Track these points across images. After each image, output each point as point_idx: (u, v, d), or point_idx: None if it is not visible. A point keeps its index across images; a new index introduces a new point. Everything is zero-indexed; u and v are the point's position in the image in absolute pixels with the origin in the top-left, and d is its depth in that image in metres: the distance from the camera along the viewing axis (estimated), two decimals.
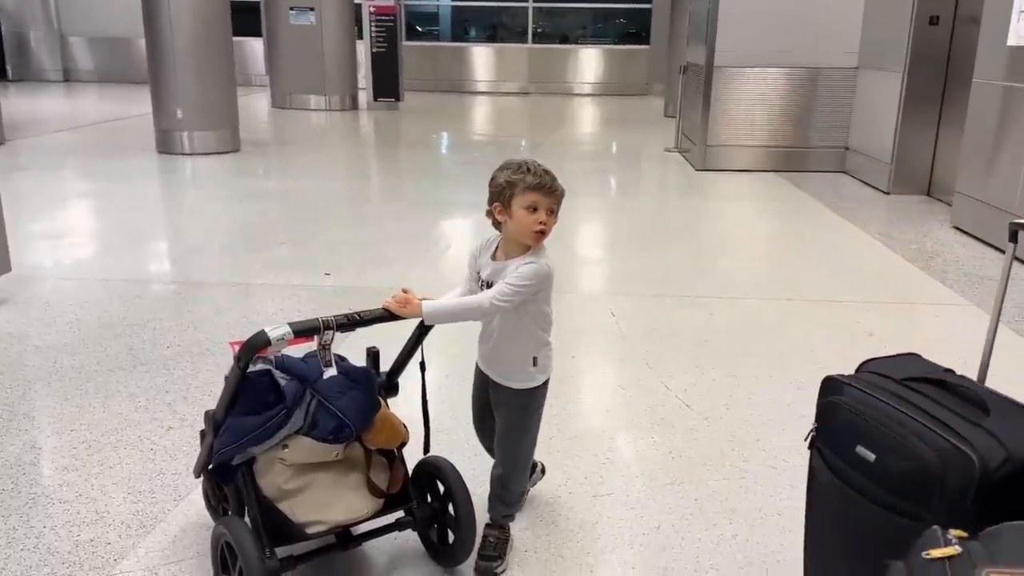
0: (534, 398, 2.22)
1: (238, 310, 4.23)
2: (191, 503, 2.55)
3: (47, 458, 2.80)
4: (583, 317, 4.36)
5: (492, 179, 2.12)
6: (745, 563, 2.29)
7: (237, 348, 1.92)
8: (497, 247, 2.18)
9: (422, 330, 2.18)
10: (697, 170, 8.76)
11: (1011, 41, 5.61)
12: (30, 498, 2.55)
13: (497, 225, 2.16)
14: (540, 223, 2.08)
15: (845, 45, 8.30)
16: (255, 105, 14.63)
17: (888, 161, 7.52)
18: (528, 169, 2.08)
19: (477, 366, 2.31)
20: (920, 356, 2.09)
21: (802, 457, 2.86)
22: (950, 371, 1.95)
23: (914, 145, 7.40)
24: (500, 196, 2.09)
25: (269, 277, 4.82)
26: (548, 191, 2.08)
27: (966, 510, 1.56)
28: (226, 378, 2.02)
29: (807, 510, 2.04)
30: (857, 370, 2.03)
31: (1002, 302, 2.57)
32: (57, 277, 4.83)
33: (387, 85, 14.53)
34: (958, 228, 6.16)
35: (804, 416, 3.19)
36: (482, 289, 2.15)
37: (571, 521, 2.48)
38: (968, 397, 1.80)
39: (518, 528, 2.42)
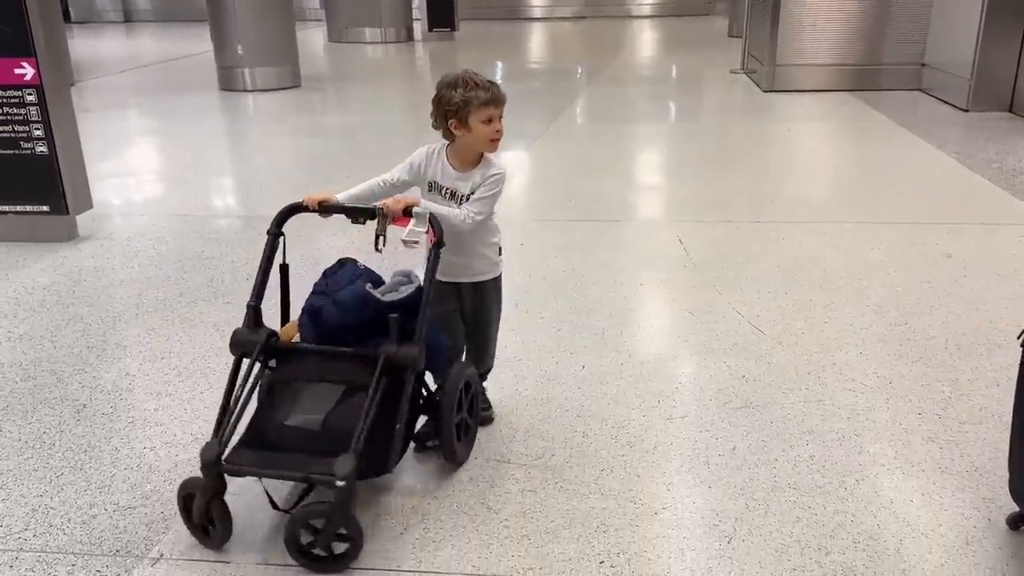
0: (501, 280, 2.49)
1: (308, 243, 4.31)
2: None
3: (141, 384, 2.94)
4: (650, 245, 4.33)
5: (441, 97, 2.25)
6: (823, 482, 2.30)
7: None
8: (447, 156, 2.34)
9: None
10: (764, 91, 8.49)
11: None
12: (128, 421, 2.69)
13: (448, 136, 2.31)
14: (497, 132, 2.28)
15: None
16: (312, 40, 14.62)
17: (968, 76, 7.17)
18: (477, 84, 2.23)
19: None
20: None
21: (880, 379, 2.84)
22: None
23: (996, 59, 7.02)
24: (457, 113, 2.23)
25: None
26: (500, 102, 2.27)
27: None
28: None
29: (1017, 408, 2.03)
30: None
31: None
32: (134, 214, 4.98)
33: (442, 15, 14.36)
34: None
35: (883, 339, 3.16)
36: (441, 194, 2.33)
37: (646, 443, 2.51)
38: None
39: (593, 449, 2.46)
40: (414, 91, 9.86)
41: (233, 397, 2.09)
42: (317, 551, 1.97)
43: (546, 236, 4.47)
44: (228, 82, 9.17)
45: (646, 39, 15.14)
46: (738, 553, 2.03)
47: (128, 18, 18.85)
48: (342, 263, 2.35)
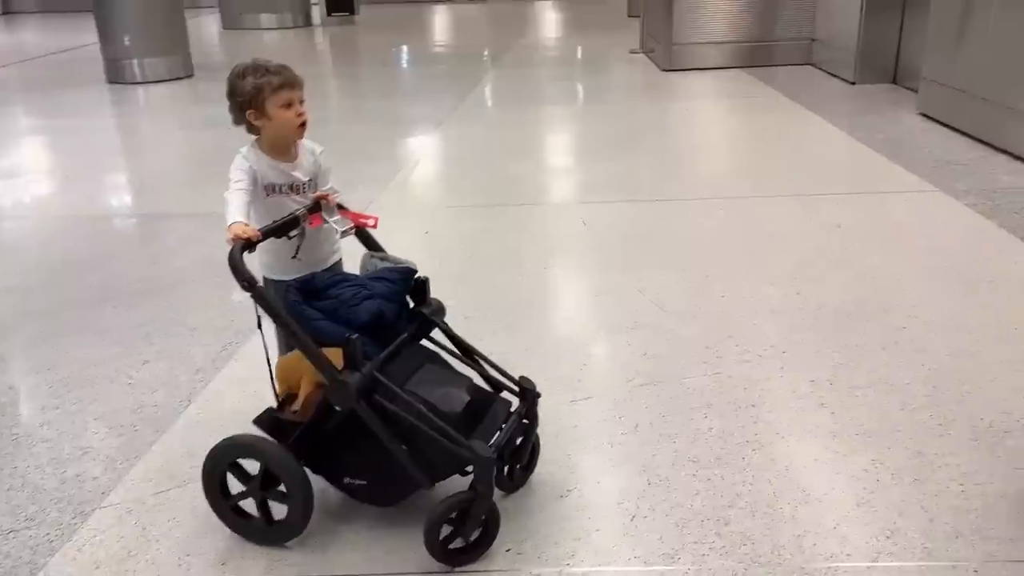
0: None
1: (206, 241, 4.16)
2: (174, 434, 2.56)
3: (26, 398, 2.79)
4: (555, 227, 4.35)
5: (234, 88, 2.16)
6: (722, 454, 2.35)
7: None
8: (264, 153, 2.20)
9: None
10: (663, 71, 8.62)
11: None
12: (12, 439, 2.55)
13: (253, 130, 2.20)
14: (300, 115, 2.18)
15: None
16: (205, 28, 14.12)
17: (853, 50, 7.43)
18: (267, 70, 2.15)
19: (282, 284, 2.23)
20: None
21: (775, 350, 2.93)
22: None
23: (879, 33, 7.30)
24: (253, 102, 2.13)
25: None
26: (295, 85, 2.17)
27: None
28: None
29: None
30: None
31: None
32: (17, 216, 4.72)
33: None
34: (924, 115, 6.14)
35: (776, 310, 3.26)
36: (283, 193, 2.20)
37: (552, 426, 2.51)
38: None
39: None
40: (315, 78, 9.63)
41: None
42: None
43: (453, 222, 4.44)
44: (116, 74, 8.77)
45: (548, 20, 15.18)
46: (641, 530, 2.07)
47: (7, 9, 17.81)
48: (312, 279, 2.14)
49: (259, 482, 2.02)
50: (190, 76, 9.07)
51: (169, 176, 5.57)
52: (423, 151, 6.10)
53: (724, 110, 7.25)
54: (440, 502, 1.93)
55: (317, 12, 14.13)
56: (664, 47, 8.62)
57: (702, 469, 2.29)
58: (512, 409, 2.13)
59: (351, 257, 2.33)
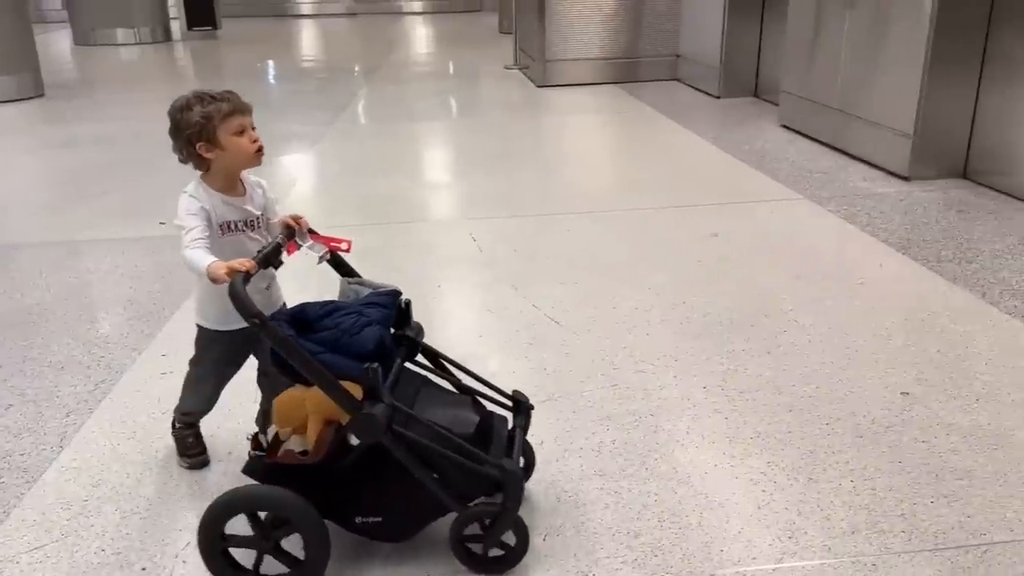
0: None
1: (65, 271, 3.88)
2: (46, 484, 2.36)
3: None
4: (443, 245, 4.31)
5: (180, 122, 2.03)
6: (626, 465, 2.38)
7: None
8: (212, 189, 2.07)
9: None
10: (539, 86, 8.75)
11: None
12: None
13: (201, 165, 2.08)
14: (255, 141, 2.08)
15: None
16: (55, 44, 13.30)
17: (717, 66, 7.78)
18: (213, 97, 2.04)
19: (228, 334, 2.18)
20: None
21: (667, 358, 2.99)
22: None
23: (740, 50, 7.68)
24: (202, 133, 2.02)
25: (96, 231, 4.44)
26: (245, 110, 2.08)
27: None
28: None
29: None
30: None
31: None
32: None
33: (201, 12, 13.56)
34: (785, 126, 6.49)
35: (665, 319, 3.34)
36: (239, 230, 2.10)
37: None
38: None
39: None
40: (175, 95, 9.23)
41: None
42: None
43: None
44: None
45: (420, 36, 15.17)
46: (554, 549, 2.05)
47: None
48: (302, 310, 2.05)
49: (266, 533, 1.90)
50: (41, 95, 8.50)
51: (23, 202, 5.18)
52: (299, 170, 5.94)
53: (599, 124, 7.42)
54: (471, 506, 1.92)
55: (177, 27, 13.57)
56: (538, 63, 8.75)
57: (608, 482, 2.30)
58: (511, 424, 2.12)
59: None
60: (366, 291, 2.13)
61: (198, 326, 2.23)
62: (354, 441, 1.93)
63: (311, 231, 2.12)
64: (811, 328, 3.21)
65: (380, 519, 1.96)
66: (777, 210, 4.72)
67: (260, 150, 2.09)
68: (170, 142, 2.10)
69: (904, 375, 2.83)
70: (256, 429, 2.26)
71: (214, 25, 13.61)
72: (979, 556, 1.98)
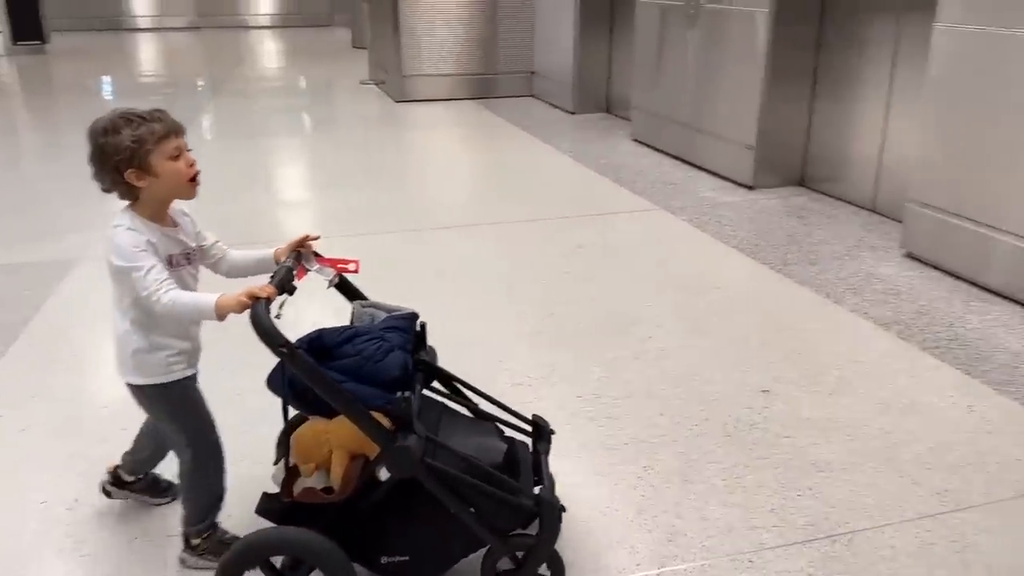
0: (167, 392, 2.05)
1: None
2: None
3: None
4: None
5: (105, 146, 1.78)
6: None
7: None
8: (145, 221, 1.84)
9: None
10: (396, 101, 8.69)
11: None
12: None
13: (129, 194, 1.84)
14: (191, 165, 1.87)
15: None
16: None
17: (570, 83, 7.98)
18: (144, 117, 1.81)
19: (194, 377, 1.99)
20: None
21: (542, 370, 3.01)
22: None
23: (591, 66, 7.90)
24: (132, 160, 1.78)
25: None
26: (179, 130, 1.86)
27: None
28: None
29: None
30: None
31: None
32: None
33: (27, 25, 12.62)
34: (637, 140, 6.74)
35: (539, 331, 3.36)
36: (179, 265, 1.89)
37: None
38: None
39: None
40: (2, 114, 8.54)
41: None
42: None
43: None
44: None
45: (269, 50, 14.74)
46: (452, 569, 2.01)
47: None
48: (319, 336, 1.93)
49: None
50: None
51: None
52: None
53: (460, 139, 7.45)
54: (505, 539, 1.82)
55: (1, 41, 12.57)
56: (395, 78, 8.69)
57: None
58: (532, 449, 2.04)
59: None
60: (382, 314, 2.03)
61: (152, 388, 1.90)
62: (382, 476, 1.82)
63: (316, 254, 2.01)
64: (675, 333, 3.33)
65: (407, 558, 1.85)
66: (635, 221, 4.87)
67: (196, 176, 1.88)
68: (83, 168, 1.84)
69: (763, 374, 2.98)
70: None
71: (42, 39, 12.71)
72: (846, 544, 2.09)
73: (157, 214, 1.87)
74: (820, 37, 5.10)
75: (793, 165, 5.38)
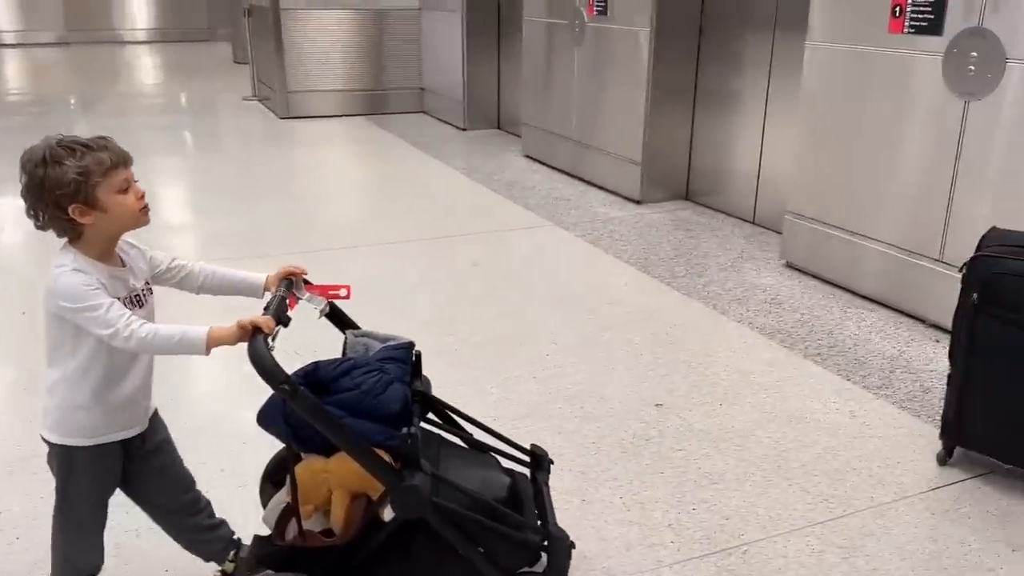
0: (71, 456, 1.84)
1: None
2: None
3: None
4: (179, 293, 3.99)
5: (44, 179, 1.59)
6: None
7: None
8: (88, 260, 1.67)
9: None
10: (281, 118, 8.48)
11: None
12: None
13: (70, 231, 1.66)
14: (141, 198, 1.71)
15: None
16: None
17: (460, 99, 7.98)
18: (88, 146, 1.63)
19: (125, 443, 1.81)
20: (1005, 229, 2.54)
21: (441, 390, 2.96)
22: None
23: (480, 82, 7.94)
24: (77, 194, 1.60)
25: None
26: (127, 160, 1.70)
27: None
28: None
29: (968, 372, 2.41)
30: (978, 251, 2.42)
31: None
32: None
33: None
34: (529, 156, 6.79)
35: (438, 351, 3.32)
36: (130, 305, 1.71)
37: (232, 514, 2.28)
38: None
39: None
40: None
41: None
42: None
43: None
44: None
45: (146, 66, 14.17)
46: None
47: None
48: (315, 369, 1.82)
49: None
50: None
51: None
52: (13, 218, 5.26)
53: (350, 157, 7.33)
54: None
55: None
56: (279, 95, 8.49)
57: None
58: (531, 480, 1.97)
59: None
60: (376, 344, 1.94)
61: (60, 448, 1.73)
62: (386, 516, 1.73)
63: (306, 281, 1.90)
64: (571, 349, 3.35)
65: None
66: (529, 237, 4.90)
67: (146, 208, 1.72)
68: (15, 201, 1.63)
69: (657, 387, 3.03)
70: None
71: None
72: (741, 557, 2.14)
73: (104, 253, 1.70)
74: (700, 54, 5.27)
75: (678, 180, 5.54)
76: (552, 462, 2.10)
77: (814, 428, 2.76)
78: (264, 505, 2.01)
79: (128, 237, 1.79)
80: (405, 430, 1.72)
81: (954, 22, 3.25)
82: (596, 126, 5.85)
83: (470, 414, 2.69)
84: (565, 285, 4.10)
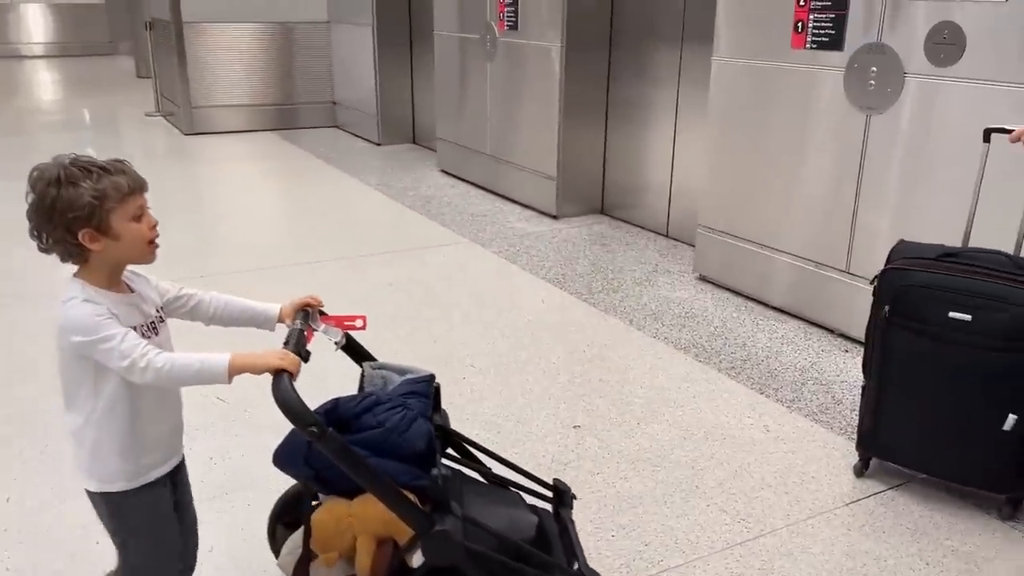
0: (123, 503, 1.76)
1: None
2: None
3: None
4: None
5: (56, 200, 1.49)
6: None
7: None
8: (97, 288, 1.57)
9: None
10: (186, 134, 8.19)
11: None
12: None
13: (77, 256, 1.57)
14: (153, 228, 1.63)
15: None
16: None
17: (374, 113, 7.86)
18: (106, 169, 1.55)
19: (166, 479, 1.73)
20: (911, 241, 2.55)
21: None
22: (943, 246, 2.44)
23: (394, 96, 7.83)
24: (91, 218, 1.51)
25: None
26: (144, 187, 1.63)
27: None
28: None
29: (881, 383, 2.45)
30: (888, 264, 2.44)
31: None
32: None
33: None
34: (445, 171, 6.72)
35: (352, 378, 3.20)
36: (145, 334, 1.61)
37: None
38: (994, 261, 2.32)
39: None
40: None
41: None
42: None
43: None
44: None
45: (45, 81, 13.53)
46: None
47: None
48: (336, 406, 1.74)
49: None
50: None
51: None
52: None
53: (259, 174, 7.10)
54: None
55: None
56: (183, 110, 8.19)
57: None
58: (554, 515, 1.87)
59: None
60: (395, 376, 1.84)
61: (104, 496, 1.63)
62: (415, 563, 1.61)
63: (321, 312, 1.82)
64: (487, 371, 3.28)
65: None
66: (446, 255, 4.82)
67: (155, 242, 1.64)
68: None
69: (574, 408, 2.99)
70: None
71: None
72: None
73: (112, 280, 1.61)
74: (611, 69, 5.30)
75: (593, 194, 5.54)
76: (575, 497, 2.01)
77: (730, 445, 2.75)
78: (273, 548, 1.93)
79: (144, 275, 1.72)
80: (436, 471, 1.65)
81: (854, 38, 3.32)
82: (511, 141, 5.82)
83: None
84: (482, 304, 4.03)
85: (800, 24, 3.52)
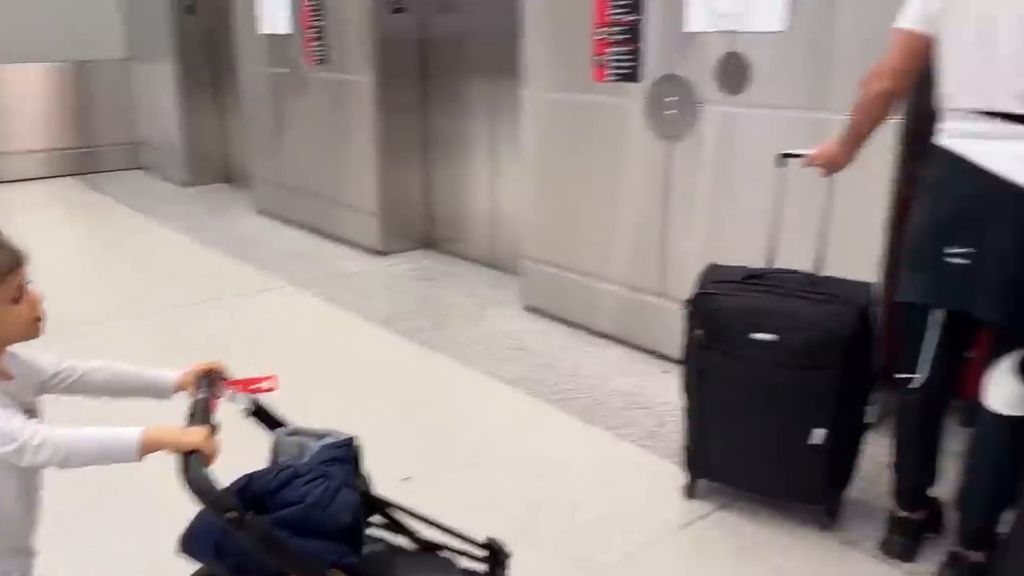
0: None
1: None
2: None
3: None
4: None
5: None
6: None
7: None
8: None
9: None
10: None
11: (264, 29, 5.96)
12: None
13: None
14: (35, 306, 1.49)
15: (108, 35, 7.86)
16: None
17: (181, 153, 7.43)
18: None
19: None
20: (720, 264, 2.62)
21: (148, 492, 2.61)
22: (748, 268, 2.52)
23: (202, 135, 7.42)
24: None
25: None
26: (24, 261, 1.48)
27: (858, 349, 2.28)
28: None
29: (701, 405, 2.53)
30: (700, 287, 2.50)
31: None
32: None
33: None
34: (262, 212, 6.43)
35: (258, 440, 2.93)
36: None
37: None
38: (794, 280, 2.42)
39: None
40: None
41: None
42: None
43: None
44: None
45: None
46: None
47: None
48: (249, 483, 1.55)
49: None
50: None
51: None
52: None
53: (56, 226, 6.52)
54: None
55: None
56: None
57: None
58: None
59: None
60: (312, 443, 1.64)
61: None
62: None
63: (223, 378, 1.68)
64: (313, 423, 3.10)
65: None
66: (265, 300, 4.58)
67: (40, 318, 1.46)
68: None
69: (404, 458, 2.87)
70: None
71: None
72: None
73: None
74: (427, 102, 5.26)
75: (418, 228, 5.46)
76: (509, 555, 1.88)
77: (562, 480, 2.74)
78: None
79: (34, 352, 1.56)
80: (366, 552, 1.54)
81: (650, 69, 3.45)
82: (330, 178, 5.66)
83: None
84: (305, 352, 3.85)
85: (600, 58, 3.62)
